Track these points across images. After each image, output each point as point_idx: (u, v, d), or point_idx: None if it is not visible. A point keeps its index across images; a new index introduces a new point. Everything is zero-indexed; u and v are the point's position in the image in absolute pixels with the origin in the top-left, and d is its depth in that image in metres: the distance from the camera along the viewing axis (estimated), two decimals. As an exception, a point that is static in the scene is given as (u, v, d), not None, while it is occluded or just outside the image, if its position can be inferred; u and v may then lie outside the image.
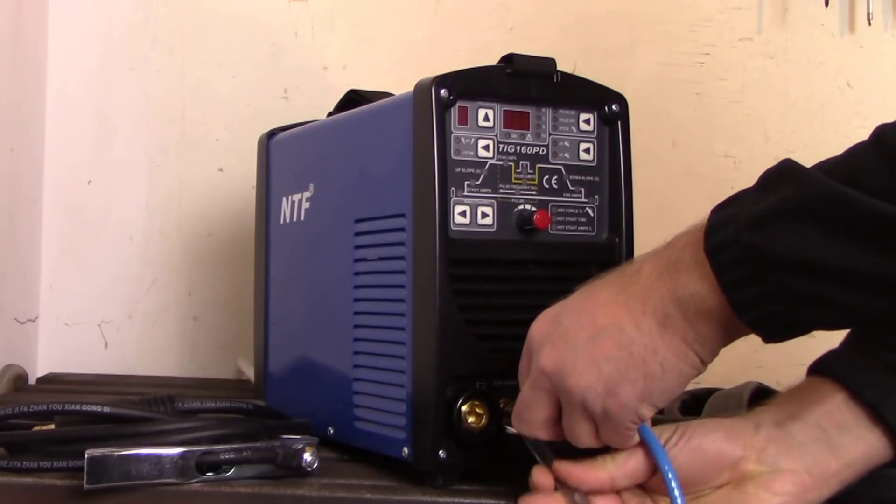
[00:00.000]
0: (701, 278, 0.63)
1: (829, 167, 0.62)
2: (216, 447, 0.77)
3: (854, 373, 0.71)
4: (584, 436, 0.70)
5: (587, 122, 0.83)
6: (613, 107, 0.84)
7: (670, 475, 0.68)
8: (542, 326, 0.71)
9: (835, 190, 0.59)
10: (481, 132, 0.80)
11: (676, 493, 0.68)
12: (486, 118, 0.80)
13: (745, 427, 0.71)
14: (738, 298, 0.62)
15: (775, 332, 0.63)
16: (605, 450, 0.71)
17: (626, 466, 0.71)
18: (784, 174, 0.62)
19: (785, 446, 0.70)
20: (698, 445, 0.70)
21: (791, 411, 0.72)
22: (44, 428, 0.83)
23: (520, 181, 0.81)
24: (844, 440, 0.70)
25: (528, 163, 0.81)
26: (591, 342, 0.67)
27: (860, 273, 0.58)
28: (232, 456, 0.77)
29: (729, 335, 0.65)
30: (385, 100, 0.91)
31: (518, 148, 0.81)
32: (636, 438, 0.69)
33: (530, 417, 0.72)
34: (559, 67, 0.82)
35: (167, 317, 1.40)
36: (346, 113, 0.95)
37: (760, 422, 0.72)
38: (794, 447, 0.70)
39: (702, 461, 0.70)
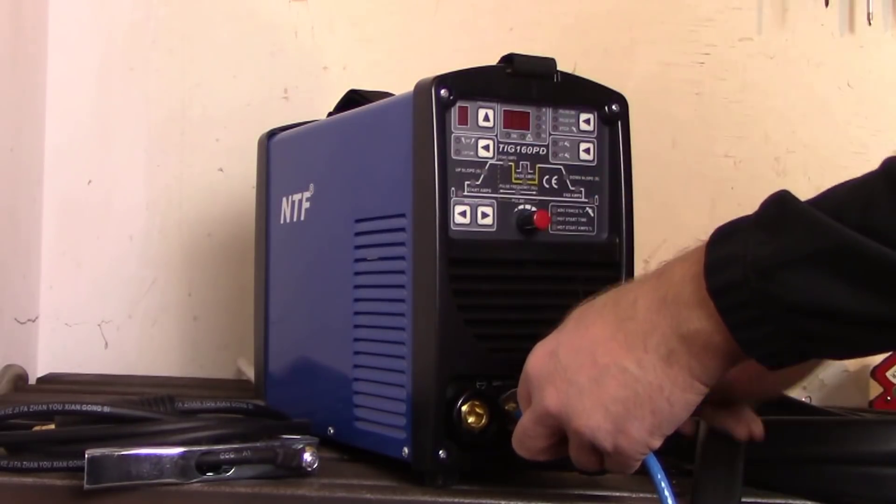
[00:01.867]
0: (706, 316, 0.63)
1: (837, 202, 0.61)
2: (216, 447, 0.77)
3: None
4: (590, 465, 0.71)
5: (587, 122, 0.83)
6: (613, 107, 0.84)
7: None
8: (539, 363, 0.70)
9: (847, 239, 0.59)
10: (481, 132, 0.80)
11: None
12: (486, 118, 0.80)
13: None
14: (746, 337, 0.62)
15: (782, 364, 0.64)
16: None
17: None
18: (789, 215, 0.62)
19: None
20: None
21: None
22: (44, 428, 0.83)
23: (520, 181, 0.81)
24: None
25: (528, 163, 0.81)
26: (595, 383, 0.67)
27: (871, 317, 0.59)
28: (232, 456, 0.77)
29: (733, 363, 0.65)
30: (385, 100, 0.91)
31: (518, 148, 0.81)
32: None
33: (532, 446, 0.72)
34: (559, 67, 0.82)
35: (167, 317, 1.40)
36: (346, 113, 0.95)
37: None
38: None
39: None
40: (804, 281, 0.59)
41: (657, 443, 0.68)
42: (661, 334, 0.65)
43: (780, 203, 0.62)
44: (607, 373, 0.67)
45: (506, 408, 0.78)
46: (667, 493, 0.68)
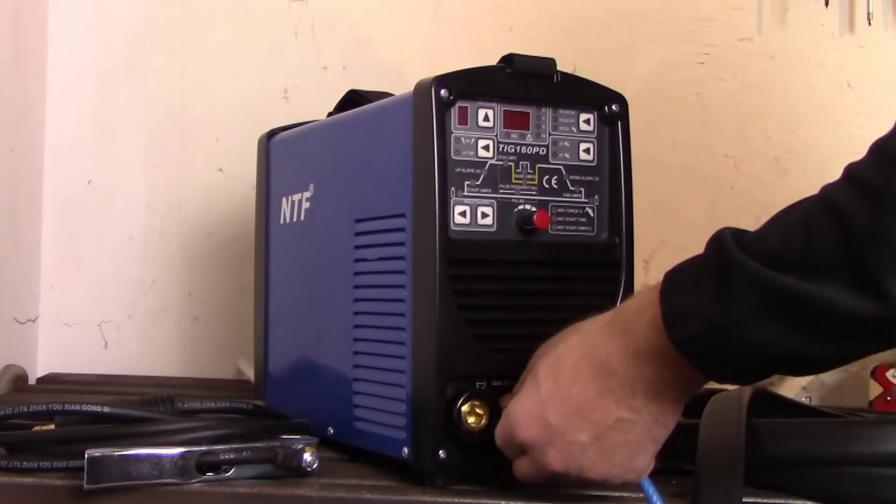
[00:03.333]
0: (679, 363, 0.67)
1: (781, 238, 0.63)
2: (216, 447, 0.77)
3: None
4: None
5: (587, 122, 0.83)
6: (613, 107, 0.84)
7: None
8: (533, 431, 0.72)
9: (788, 290, 0.61)
10: (481, 132, 0.80)
11: None
12: (486, 118, 0.80)
13: None
14: (716, 375, 0.67)
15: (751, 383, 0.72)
16: None
17: None
18: (730, 267, 0.64)
19: None
20: None
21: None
22: (44, 428, 0.83)
23: (520, 181, 0.81)
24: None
25: (528, 163, 0.81)
26: (596, 439, 0.71)
27: (821, 355, 0.64)
28: (232, 456, 0.77)
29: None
30: (385, 100, 0.91)
31: (518, 148, 0.81)
32: None
33: (534, 481, 0.76)
34: (559, 67, 0.82)
35: (167, 317, 1.40)
36: (346, 113, 0.95)
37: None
38: None
39: None
40: (755, 335, 0.63)
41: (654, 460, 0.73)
42: (645, 382, 0.69)
43: (720, 250, 0.65)
44: (605, 426, 0.70)
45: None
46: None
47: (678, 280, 0.67)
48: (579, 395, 0.71)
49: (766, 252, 0.63)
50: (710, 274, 0.65)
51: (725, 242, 0.65)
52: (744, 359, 0.65)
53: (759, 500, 0.75)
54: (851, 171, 0.61)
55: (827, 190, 0.62)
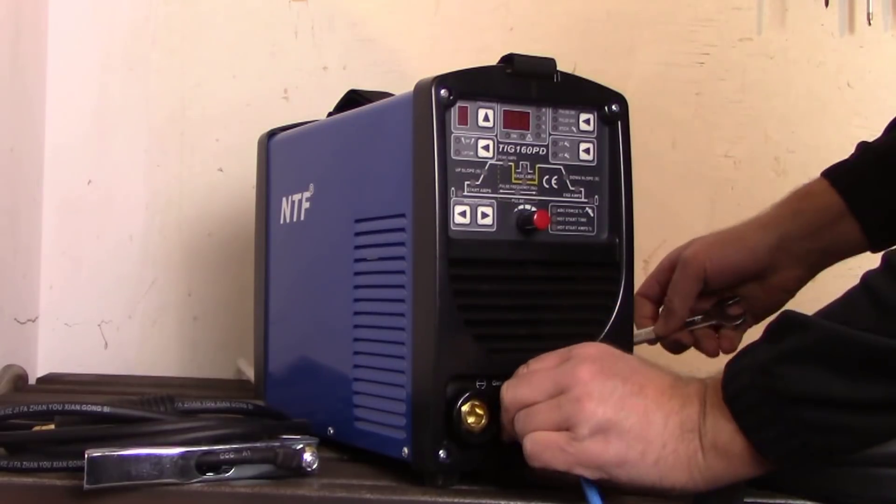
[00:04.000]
0: (729, 427, 0.69)
1: (827, 312, 0.69)
2: (216, 447, 0.77)
3: (838, 169, 0.99)
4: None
5: (587, 122, 0.83)
6: (613, 107, 0.84)
7: None
8: (603, 404, 0.72)
9: (832, 330, 0.66)
10: (481, 132, 0.80)
11: None
12: (486, 118, 0.80)
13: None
14: (759, 438, 0.68)
15: (796, 462, 0.70)
16: None
17: None
18: (787, 324, 0.69)
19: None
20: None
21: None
22: (44, 428, 0.83)
23: (520, 181, 0.81)
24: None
25: (528, 163, 0.81)
26: (663, 448, 0.71)
27: (865, 401, 0.65)
28: (232, 456, 0.77)
29: (734, 473, 0.71)
30: (385, 100, 0.91)
31: (518, 148, 0.81)
32: None
33: (544, 460, 0.74)
34: (559, 68, 0.82)
35: (167, 317, 1.40)
36: (346, 113, 0.95)
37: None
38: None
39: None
40: (801, 373, 0.66)
41: None
42: (701, 436, 0.70)
43: (783, 318, 0.70)
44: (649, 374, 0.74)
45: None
46: None
47: (744, 349, 0.71)
48: (659, 380, 0.73)
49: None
50: (767, 337, 0.70)
51: (788, 314, 0.70)
52: (786, 411, 0.66)
53: (759, 501, 0.75)
54: (890, 259, 0.67)
55: (868, 275, 0.68)
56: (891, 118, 1.00)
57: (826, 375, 0.66)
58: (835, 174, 1.00)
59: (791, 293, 1.03)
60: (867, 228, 0.99)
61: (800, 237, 1.00)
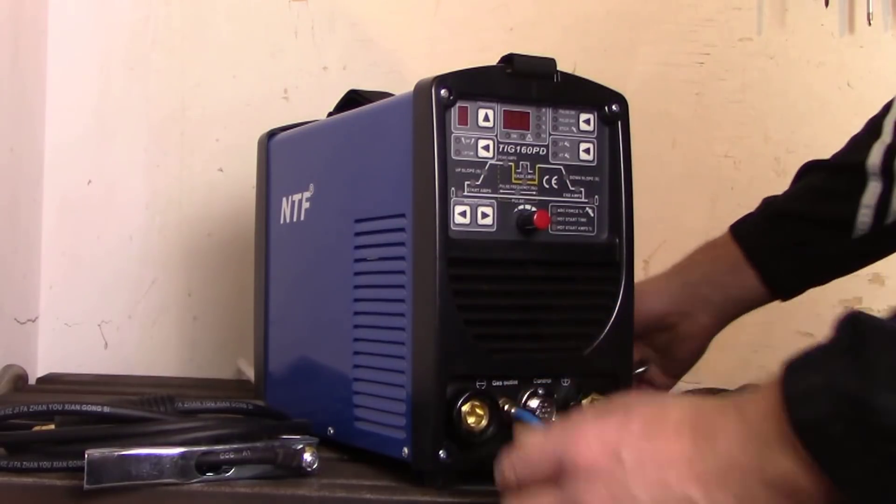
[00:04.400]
0: (793, 457, 0.57)
1: None
2: (216, 447, 0.77)
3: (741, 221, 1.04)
4: None
5: (587, 122, 0.83)
6: (613, 107, 0.84)
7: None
8: (595, 454, 0.63)
9: None
10: (481, 132, 0.80)
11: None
12: (486, 118, 0.80)
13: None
14: (844, 477, 0.55)
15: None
16: None
17: None
18: (867, 331, 0.56)
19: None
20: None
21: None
22: (44, 428, 0.83)
23: (520, 181, 0.81)
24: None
25: (528, 163, 0.81)
26: (654, 503, 0.61)
27: None
28: (232, 456, 0.77)
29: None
30: (385, 100, 0.91)
31: (518, 148, 0.81)
32: None
33: None
34: (559, 67, 0.82)
35: (167, 317, 1.40)
36: (346, 113, 0.95)
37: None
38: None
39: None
40: None
41: None
42: (741, 474, 0.58)
43: (854, 322, 0.57)
44: (671, 497, 0.60)
45: (505, 407, 0.78)
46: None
47: (803, 360, 0.58)
48: (667, 452, 0.61)
49: None
50: (843, 348, 0.56)
51: (857, 314, 0.57)
52: (882, 449, 0.54)
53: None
54: None
55: None
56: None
57: None
58: (736, 225, 1.06)
59: (701, 342, 1.05)
60: (767, 278, 1.03)
61: (702, 283, 1.04)
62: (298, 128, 1.03)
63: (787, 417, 0.56)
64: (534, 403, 0.79)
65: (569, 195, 0.82)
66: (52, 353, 1.38)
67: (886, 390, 0.54)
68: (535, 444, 0.66)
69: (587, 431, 0.63)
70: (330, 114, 1.02)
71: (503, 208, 0.80)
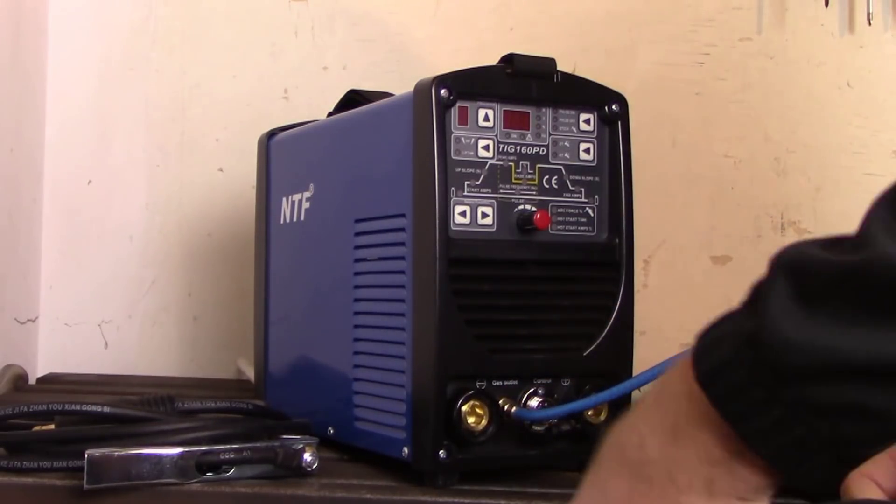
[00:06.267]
0: (717, 429, 0.51)
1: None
2: (216, 447, 0.77)
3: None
4: None
5: (587, 122, 0.83)
6: (613, 107, 0.84)
7: None
8: None
9: (850, 265, 0.47)
10: (481, 132, 0.80)
11: None
12: (486, 118, 0.80)
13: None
14: (750, 430, 0.50)
15: (803, 469, 0.50)
16: None
17: None
18: (777, 269, 0.50)
19: None
20: None
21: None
22: (44, 428, 0.83)
23: (520, 181, 0.81)
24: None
25: (528, 163, 0.81)
26: None
27: (884, 356, 0.46)
28: (232, 456, 0.77)
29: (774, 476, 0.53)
30: (385, 100, 0.91)
31: (518, 148, 0.81)
32: None
33: None
34: (559, 67, 0.82)
35: (167, 317, 1.40)
36: (346, 113, 0.95)
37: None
38: None
39: None
40: (805, 334, 0.47)
41: None
42: (688, 467, 0.53)
43: (755, 285, 0.52)
44: None
45: (506, 408, 0.78)
46: None
47: (713, 322, 0.53)
48: (613, 498, 0.56)
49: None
50: (751, 301, 0.51)
51: (760, 280, 0.51)
52: (788, 393, 0.47)
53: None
54: None
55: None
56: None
57: (840, 332, 0.46)
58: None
59: None
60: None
61: None
62: (298, 128, 1.03)
63: (693, 373, 0.51)
64: (534, 403, 0.79)
65: (569, 195, 0.82)
66: (52, 353, 1.38)
67: (784, 320, 0.47)
68: None
69: None
70: (330, 114, 1.02)
71: (503, 208, 0.80)
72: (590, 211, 0.83)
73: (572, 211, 0.82)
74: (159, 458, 0.75)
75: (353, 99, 0.99)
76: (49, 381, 1.33)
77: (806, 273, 0.48)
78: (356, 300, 0.87)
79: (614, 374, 0.82)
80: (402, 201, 0.80)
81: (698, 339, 0.53)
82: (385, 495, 0.76)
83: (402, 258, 0.80)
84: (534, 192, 0.81)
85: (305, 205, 0.96)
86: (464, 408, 0.77)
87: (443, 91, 0.78)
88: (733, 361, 0.49)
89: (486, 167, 0.80)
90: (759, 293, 0.50)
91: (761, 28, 1.37)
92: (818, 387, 0.47)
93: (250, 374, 1.17)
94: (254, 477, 0.78)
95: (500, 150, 0.80)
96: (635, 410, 0.57)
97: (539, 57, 0.82)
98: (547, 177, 0.82)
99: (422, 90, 0.79)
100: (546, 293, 0.81)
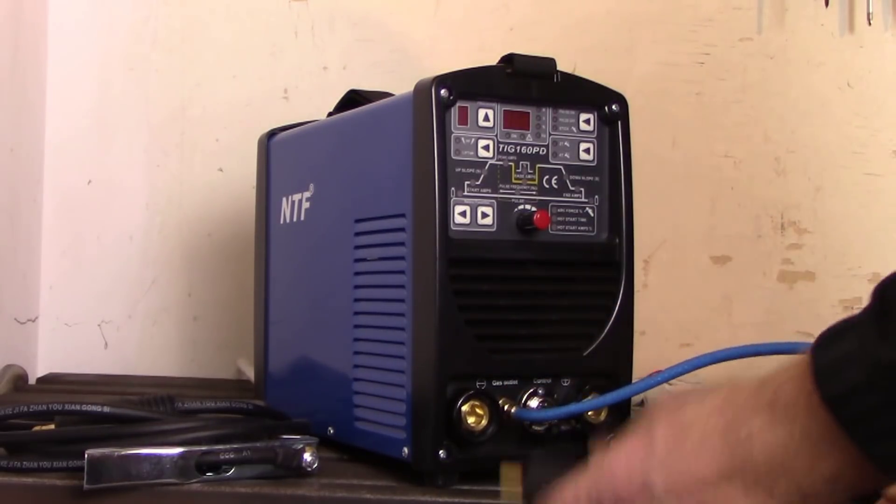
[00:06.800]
0: (842, 447, 0.52)
1: None
2: (216, 447, 0.77)
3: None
4: None
5: (587, 122, 0.83)
6: (613, 107, 0.84)
7: None
8: (629, 488, 0.58)
9: None
10: (481, 132, 0.80)
11: None
12: (486, 118, 0.80)
13: None
14: (883, 453, 0.51)
15: None
16: None
17: None
18: None
19: None
20: None
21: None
22: (44, 428, 0.83)
23: (520, 181, 0.81)
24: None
25: (528, 163, 0.81)
26: None
27: None
28: (232, 456, 0.77)
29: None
30: (385, 100, 0.91)
31: (518, 148, 0.81)
32: None
33: None
34: (559, 67, 0.82)
35: (167, 317, 1.40)
36: (346, 113, 0.95)
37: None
38: None
39: None
40: None
41: None
42: (790, 480, 0.54)
43: (882, 293, 0.52)
44: None
45: (505, 408, 0.78)
46: None
47: (833, 331, 0.53)
48: (701, 473, 0.56)
49: None
50: (874, 317, 0.51)
51: (887, 283, 0.52)
52: None
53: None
54: None
55: None
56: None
57: None
58: None
59: None
60: None
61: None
62: (298, 128, 1.03)
63: (816, 392, 0.52)
64: (534, 403, 0.79)
65: (569, 195, 0.82)
66: (52, 353, 1.38)
67: None
68: (569, 489, 0.62)
69: (615, 465, 0.59)
70: (330, 114, 1.02)
71: (503, 208, 0.80)
72: (590, 211, 0.83)
73: (572, 211, 0.82)
74: (159, 458, 0.75)
75: (353, 99, 0.99)
76: (49, 381, 1.33)
77: None
78: (356, 300, 0.87)
79: (614, 374, 0.82)
80: (402, 201, 0.80)
81: (818, 351, 0.53)
82: (385, 495, 0.76)
83: (402, 258, 0.80)
84: (534, 192, 0.81)
85: (305, 205, 0.96)
86: (464, 408, 0.77)
87: (443, 91, 0.78)
88: (866, 387, 0.50)
89: (486, 167, 0.80)
90: (891, 309, 0.50)
91: (761, 28, 1.37)
92: None
93: (250, 374, 1.17)
94: (254, 477, 0.78)
95: (500, 150, 0.80)
96: (743, 403, 0.56)
97: (539, 57, 0.82)
98: (547, 177, 0.82)
99: (422, 90, 0.79)
100: (546, 293, 0.81)
